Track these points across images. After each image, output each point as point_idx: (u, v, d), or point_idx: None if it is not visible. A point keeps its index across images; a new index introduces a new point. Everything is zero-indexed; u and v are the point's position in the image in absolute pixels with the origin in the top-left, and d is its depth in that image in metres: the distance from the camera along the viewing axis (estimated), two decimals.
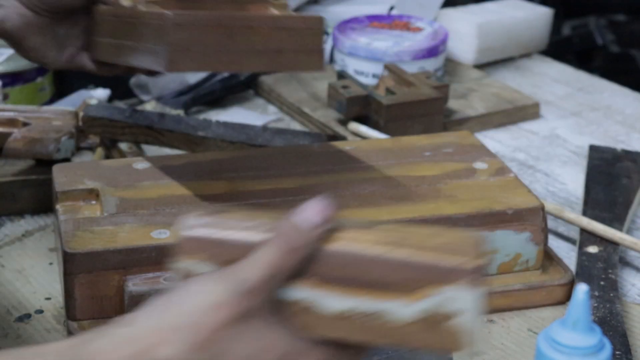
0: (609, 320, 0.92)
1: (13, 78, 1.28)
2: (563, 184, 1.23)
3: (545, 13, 1.56)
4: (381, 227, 0.64)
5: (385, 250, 0.62)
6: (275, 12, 0.97)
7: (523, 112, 1.38)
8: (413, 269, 0.62)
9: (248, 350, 0.60)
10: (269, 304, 0.62)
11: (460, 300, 0.62)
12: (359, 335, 0.63)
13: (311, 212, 0.64)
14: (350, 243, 0.63)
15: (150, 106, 1.30)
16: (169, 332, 0.59)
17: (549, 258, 1.01)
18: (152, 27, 0.88)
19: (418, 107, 1.25)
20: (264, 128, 1.22)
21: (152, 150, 1.21)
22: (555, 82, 1.50)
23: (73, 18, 0.98)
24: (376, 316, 0.63)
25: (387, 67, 1.33)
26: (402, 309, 0.62)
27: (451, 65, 1.48)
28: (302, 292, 0.63)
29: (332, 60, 1.47)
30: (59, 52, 0.98)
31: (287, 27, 0.90)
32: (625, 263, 1.06)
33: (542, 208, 0.98)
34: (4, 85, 1.28)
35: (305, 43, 0.92)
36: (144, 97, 1.37)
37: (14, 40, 0.96)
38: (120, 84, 1.36)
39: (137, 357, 0.59)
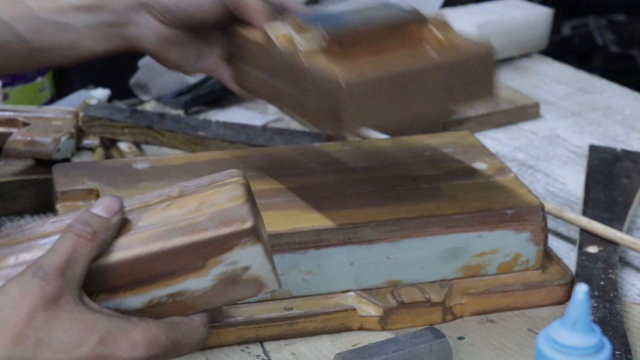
0: (609, 320, 0.92)
1: (13, 78, 1.29)
2: (563, 184, 1.23)
3: (545, 13, 1.56)
4: (145, 224, 0.69)
5: (160, 245, 0.68)
6: (439, 35, 0.91)
7: (523, 112, 1.38)
8: (193, 249, 0.68)
9: (68, 334, 0.63)
10: (75, 287, 0.65)
11: (245, 258, 0.69)
12: (172, 312, 0.69)
13: (103, 204, 0.69)
14: (126, 251, 0.68)
15: (150, 106, 1.30)
16: None
17: (549, 258, 1.01)
18: (321, 88, 0.85)
19: None
20: (264, 128, 1.22)
21: (152, 150, 1.21)
22: (555, 82, 1.50)
23: (209, 31, 0.99)
24: (179, 295, 0.69)
25: None
26: (199, 282, 0.68)
27: None
28: (104, 303, 0.68)
29: None
30: (197, 62, 0.99)
31: (458, 62, 0.87)
32: (625, 263, 1.06)
33: (542, 208, 0.98)
34: (4, 85, 1.28)
35: (476, 73, 0.88)
36: (144, 97, 1.37)
37: (151, 54, 0.97)
38: (120, 84, 1.36)
39: None
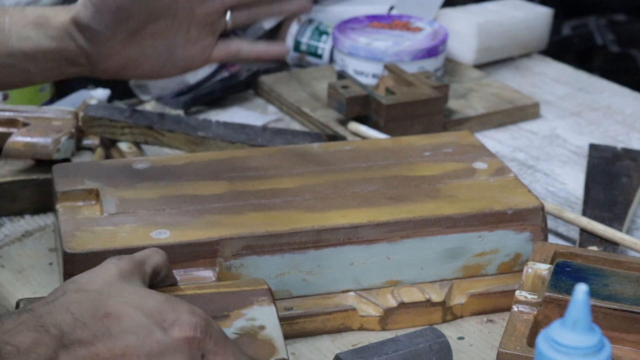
0: None
1: None
2: (563, 184, 1.23)
3: (545, 13, 1.56)
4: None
5: (194, 290, 0.83)
6: None
7: (523, 112, 1.38)
8: (222, 297, 0.83)
9: (132, 296, 0.76)
10: (142, 277, 0.79)
11: (261, 316, 0.82)
12: None
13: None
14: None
15: (150, 106, 1.30)
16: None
17: None
18: None
19: (418, 107, 1.25)
20: (264, 128, 1.22)
21: (152, 150, 1.21)
22: (555, 82, 1.50)
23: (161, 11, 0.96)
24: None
25: (387, 67, 1.33)
26: (227, 330, 0.80)
27: (451, 65, 1.48)
28: None
29: (332, 60, 1.47)
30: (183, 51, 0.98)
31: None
32: None
33: (542, 208, 0.98)
34: None
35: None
36: (144, 97, 1.37)
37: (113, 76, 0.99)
38: (120, 84, 1.36)
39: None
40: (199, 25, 0.97)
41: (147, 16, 0.94)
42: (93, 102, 1.22)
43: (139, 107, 1.27)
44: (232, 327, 0.81)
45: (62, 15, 0.93)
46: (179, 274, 0.90)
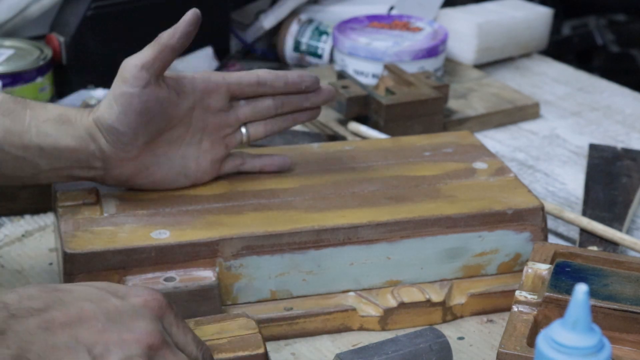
0: None
1: (13, 78, 1.28)
2: (563, 184, 1.23)
3: (545, 13, 1.56)
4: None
5: None
6: None
7: (523, 112, 1.38)
8: None
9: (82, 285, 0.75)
10: None
11: None
12: None
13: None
14: None
15: None
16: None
17: None
18: None
19: (418, 107, 1.25)
20: None
21: None
22: (555, 82, 1.50)
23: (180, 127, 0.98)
24: None
25: (387, 67, 1.33)
26: None
27: (451, 65, 1.48)
28: None
29: (332, 60, 1.47)
30: (195, 171, 0.99)
31: None
32: None
33: (542, 208, 0.98)
34: (4, 85, 1.28)
35: None
36: None
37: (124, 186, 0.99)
38: None
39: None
40: (212, 137, 0.99)
41: (166, 122, 0.96)
42: (93, 102, 1.22)
43: None
44: None
45: (84, 116, 0.94)
46: (179, 274, 0.90)
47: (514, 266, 0.98)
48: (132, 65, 0.93)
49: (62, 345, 0.70)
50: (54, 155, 0.93)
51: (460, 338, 0.94)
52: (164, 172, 0.97)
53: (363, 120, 1.26)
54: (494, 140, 1.33)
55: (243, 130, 1.00)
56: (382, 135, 1.22)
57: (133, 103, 0.92)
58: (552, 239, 1.09)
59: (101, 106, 0.94)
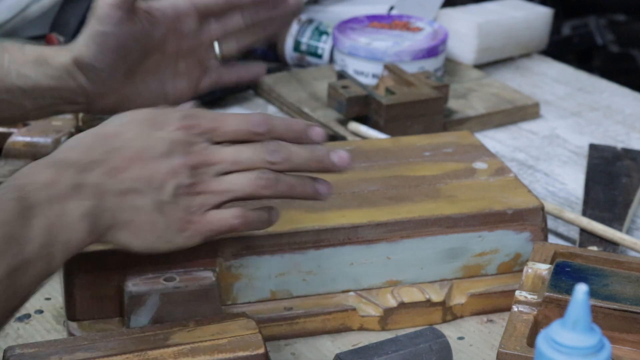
0: None
1: None
2: (563, 184, 1.23)
3: (545, 13, 1.56)
4: (174, 342, 0.80)
5: None
6: None
7: (523, 112, 1.38)
8: None
9: (123, 118, 0.82)
10: None
11: None
12: None
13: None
14: None
15: None
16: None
17: None
18: None
19: (418, 107, 1.25)
20: None
21: None
22: (555, 82, 1.50)
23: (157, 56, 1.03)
24: None
25: (387, 67, 1.33)
26: None
27: (451, 65, 1.48)
28: None
29: (332, 60, 1.47)
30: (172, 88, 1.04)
31: None
32: None
33: (542, 208, 0.98)
34: None
35: None
36: None
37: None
38: None
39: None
40: (187, 59, 1.03)
41: (142, 53, 1.00)
42: None
43: None
44: None
45: (62, 55, 0.98)
46: (179, 274, 0.90)
47: (514, 266, 0.98)
48: (105, 4, 0.97)
49: (128, 189, 0.79)
50: (36, 95, 0.97)
51: (460, 338, 0.94)
52: (144, 98, 1.02)
53: (363, 120, 1.26)
54: (494, 140, 1.33)
55: (216, 47, 1.04)
56: (382, 135, 1.22)
57: (109, 41, 0.97)
58: (552, 239, 1.09)
59: (78, 45, 0.98)
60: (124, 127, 0.81)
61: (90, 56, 0.97)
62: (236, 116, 0.83)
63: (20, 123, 1.13)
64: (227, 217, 0.82)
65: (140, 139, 0.80)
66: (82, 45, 0.97)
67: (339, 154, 0.85)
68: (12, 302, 0.75)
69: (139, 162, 0.79)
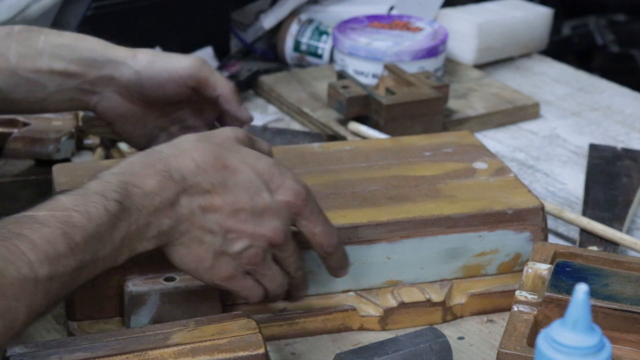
0: None
1: None
2: (563, 184, 1.23)
3: (545, 13, 1.56)
4: (174, 342, 0.80)
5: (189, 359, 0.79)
6: None
7: (523, 112, 1.38)
8: None
9: (247, 155, 0.85)
10: (249, 144, 0.88)
11: None
12: None
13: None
14: None
15: None
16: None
17: None
18: None
19: (418, 107, 1.25)
20: (264, 128, 1.22)
21: None
22: (555, 82, 1.50)
23: (165, 109, 1.06)
24: None
25: (387, 67, 1.33)
26: None
27: (451, 65, 1.48)
28: None
29: (332, 60, 1.47)
30: (147, 139, 1.07)
31: None
32: None
33: (542, 208, 0.98)
34: None
35: None
36: None
37: (107, 124, 1.07)
38: None
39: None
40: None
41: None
42: None
43: None
44: None
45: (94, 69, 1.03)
46: (179, 274, 0.90)
47: (514, 266, 0.98)
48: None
49: (208, 228, 0.82)
50: (62, 79, 1.01)
51: (461, 338, 0.94)
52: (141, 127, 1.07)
53: (363, 120, 1.26)
54: (494, 140, 1.33)
55: None
56: (382, 135, 1.22)
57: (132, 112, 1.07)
58: (552, 239, 1.09)
59: (105, 99, 1.05)
60: (244, 166, 0.84)
61: (107, 117, 1.05)
62: (326, 226, 0.88)
63: (25, 118, 1.13)
64: (253, 292, 0.86)
65: (250, 189, 0.83)
66: (106, 106, 1.04)
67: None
68: (65, 292, 0.76)
69: (235, 213, 0.83)
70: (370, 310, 0.94)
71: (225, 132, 0.87)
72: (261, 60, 1.53)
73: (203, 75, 1.02)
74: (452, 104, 1.35)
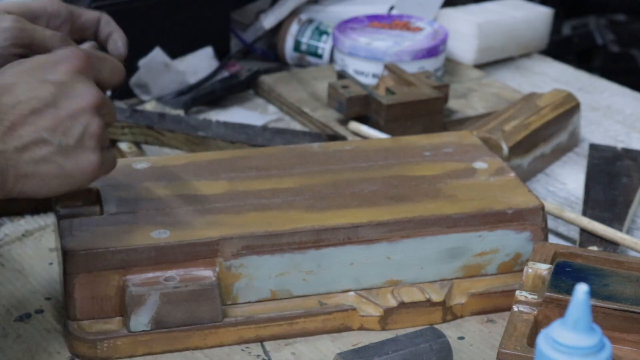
0: None
1: None
2: (563, 184, 1.23)
3: (545, 13, 1.56)
4: None
5: None
6: None
7: None
8: None
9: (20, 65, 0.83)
10: None
11: None
12: None
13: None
14: None
15: (150, 106, 1.30)
16: None
17: None
18: None
19: (418, 107, 1.25)
20: (264, 128, 1.22)
21: (152, 150, 1.21)
22: (555, 82, 1.50)
23: None
24: None
25: (387, 67, 1.33)
26: None
27: (451, 65, 1.48)
28: None
29: (332, 60, 1.47)
30: None
31: None
32: None
33: (542, 208, 0.98)
34: None
35: None
36: (144, 97, 1.37)
37: None
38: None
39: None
40: None
41: None
42: None
43: (139, 107, 1.28)
44: None
45: None
46: (179, 274, 0.90)
47: (514, 266, 0.98)
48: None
49: (30, 143, 0.80)
50: None
51: (461, 338, 0.94)
52: None
53: (363, 120, 1.26)
54: None
55: None
56: (382, 135, 1.22)
57: None
58: (552, 239, 1.09)
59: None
60: (14, 79, 0.81)
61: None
62: (111, 63, 0.87)
63: None
64: (113, 156, 0.88)
65: (32, 88, 0.81)
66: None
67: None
68: None
69: (36, 114, 0.80)
70: (370, 310, 0.94)
71: (63, 63, 0.83)
72: (261, 60, 1.53)
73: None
74: (452, 104, 1.35)
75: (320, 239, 0.93)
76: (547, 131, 1.24)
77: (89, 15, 1.02)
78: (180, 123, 1.20)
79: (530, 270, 0.91)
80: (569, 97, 1.29)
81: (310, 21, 1.50)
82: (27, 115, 0.80)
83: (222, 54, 1.45)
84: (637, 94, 1.48)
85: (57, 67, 0.83)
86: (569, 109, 1.28)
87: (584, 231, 1.08)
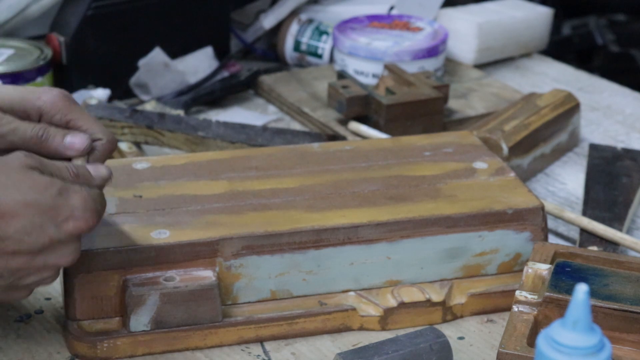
0: None
1: (13, 78, 1.28)
2: (563, 184, 1.23)
3: (545, 13, 1.56)
4: None
5: None
6: None
7: None
8: None
9: (29, 192, 0.79)
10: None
11: None
12: None
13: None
14: None
15: (150, 106, 1.30)
16: None
17: None
18: None
19: (418, 107, 1.25)
20: (264, 128, 1.22)
21: (152, 150, 1.21)
22: (555, 82, 1.50)
23: None
24: None
25: (387, 67, 1.33)
26: None
27: (451, 65, 1.48)
28: None
29: (332, 60, 1.47)
30: None
31: None
32: None
33: (542, 208, 0.98)
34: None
35: None
36: (144, 97, 1.37)
37: None
38: (120, 84, 1.36)
39: None
40: None
41: None
42: (93, 102, 1.22)
43: (139, 107, 1.27)
44: None
45: None
46: (179, 274, 0.90)
47: (514, 266, 0.98)
48: None
49: None
50: None
51: (461, 338, 0.94)
52: None
53: (363, 120, 1.26)
54: None
55: None
56: (382, 135, 1.22)
57: None
58: (552, 239, 1.09)
59: None
60: (22, 209, 0.79)
61: None
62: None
63: None
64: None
65: (29, 233, 0.80)
66: None
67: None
68: None
69: (15, 255, 0.80)
70: (370, 310, 0.94)
71: (12, 161, 0.80)
72: (261, 60, 1.53)
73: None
74: (452, 104, 1.35)
75: (320, 239, 0.93)
76: (547, 131, 1.24)
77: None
78: (180, 123, 1.20)
79: (530, 270, 0.91)
80: (569, 97, 1.29)
81: (310, 21, 1.50)
82: (7, 253, 0.79)
83: (222, 54, 1.45)
84: (637, 94, 1.48)
85: (65, 224, 0.81)
86: (569, 109, 1.28)
87: (584, 231, 1.08)
